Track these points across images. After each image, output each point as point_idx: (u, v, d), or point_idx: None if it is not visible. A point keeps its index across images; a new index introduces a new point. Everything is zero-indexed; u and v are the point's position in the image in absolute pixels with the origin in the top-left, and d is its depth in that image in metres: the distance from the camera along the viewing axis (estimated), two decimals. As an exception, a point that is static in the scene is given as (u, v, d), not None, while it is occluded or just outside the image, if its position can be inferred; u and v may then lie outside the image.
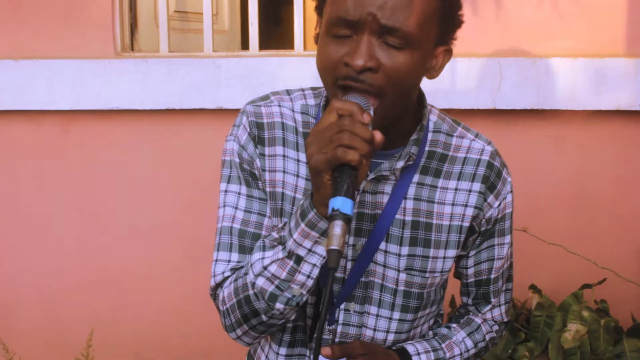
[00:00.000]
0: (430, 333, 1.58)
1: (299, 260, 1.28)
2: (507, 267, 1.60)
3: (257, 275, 1.32)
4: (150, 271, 2.82)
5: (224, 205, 1.44)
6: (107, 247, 2.82)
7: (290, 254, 1.29)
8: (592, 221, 2.76)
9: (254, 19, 2.76)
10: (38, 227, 2.81)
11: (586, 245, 2.71)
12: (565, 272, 2.72)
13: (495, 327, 1.63)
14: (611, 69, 2.63)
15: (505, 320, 1.64)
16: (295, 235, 1.28)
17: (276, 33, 5.84)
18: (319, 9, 1.35)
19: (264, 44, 2.99)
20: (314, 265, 1.29)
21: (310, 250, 1.28)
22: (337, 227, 1.14)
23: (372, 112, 1.25)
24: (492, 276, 1.56)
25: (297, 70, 2.63)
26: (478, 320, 1.61)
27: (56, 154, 2.77)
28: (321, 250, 1.27)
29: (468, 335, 1.59)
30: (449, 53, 1.37)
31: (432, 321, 1.57)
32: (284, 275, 1.30)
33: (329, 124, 1.20)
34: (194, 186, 2.76)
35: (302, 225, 1.26)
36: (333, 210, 1.15)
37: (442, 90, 2.63)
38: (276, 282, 1.31)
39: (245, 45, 3.13)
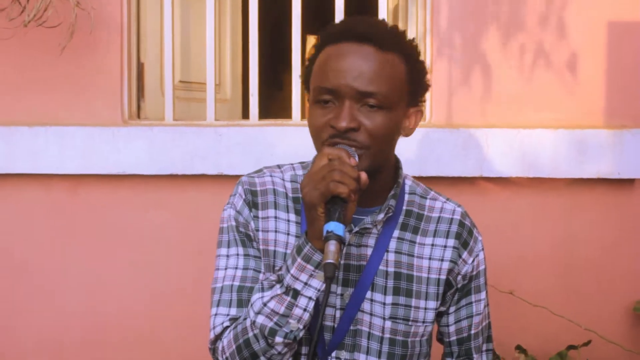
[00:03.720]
0: None
1: (296, 294, 1.42)
2: (485, 326, 1.72)
3: (257, 314, 1.44)
4: (153, 330, 2.89)
5: (225, 268, 1.59)
6: (112, 305, 2.89)
7: (287, 289, 1.42)
8: (577, 284, 2.84)
9: (254, 90, 2.89)
10: (44, 284, 2.89)
11: (572, 308, 2.79)
12: (550, 333, 2.79)
13: None
14: (592, 140, 2.76)
15: None
16: (292, 270, 1.42)
17: (278, 98, 6.01)
18: (306, 84, 1.57)
19: (265, 110, 3.11)
20: (310, 298, 1.42)
21: (306, 283, 1.42)
22: (332, 245, 1.32)
23: (357, 158, 1.43)
24: (472, 332, 1.68)
25: (295, 138, 2.76)
26: None
27: (65, 215, 2.87)
28: (316, 283, 1.41)
29: None
30: (420, 114, 1.58)
31: None
32: (282, 310, 1.42)
33: (321, 166, 1.39)
34: (196, 247, 2.85)
35: (299, 259, 1.42)
36: (327, 232, 1.33)
37: (431, 158, 2.75)
38: (275, 319, 1.43)
39: (246, 113, 3.26)
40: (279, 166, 1.68)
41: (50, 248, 2.88)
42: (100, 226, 2.87)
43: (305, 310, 1.42)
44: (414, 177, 2.67)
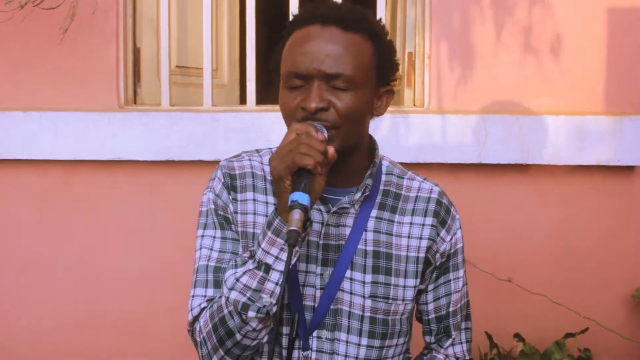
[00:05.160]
0: None
1: (267, 268, 1.43)
2: (464, 304, 1.74)
3: (230, 289, 1.46)
4: (148, 317, 2.88)
5: (201, 248, 1.62)
6: (106, 291, 2.87)
7: (259, 264, 1.44)
8: (575, 272, 2.84)
9: (251, 76, 2.87)
10: (38, 270, 2.87)
11: (570, 295, 2.79)
12: (549, 321, 2.79)
13: None
14: (591, 126, 2.74)
15: (467, 358, 1.75)
16: (263, 244, 1.44)
17: (275, 83, 5.97)
18: (276, 70, 1.60)
19: (263, 95, 3.09)
20: (282, 272, 1.43)
21: (277, 257, 1.43)
22: (296, 214, 1.34)
23: (326, 134, 1.46)
24: (451, 309, 1.70)
25: (292, 124, 2.73)
26: (441, 356, 1.71)
27: (59, 201, 2.85)
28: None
29: None
30: (391, 93, 1.61)
31: (401, 357, 1.68)
32: (254, 284, 1.44)
33: (289, 141, 1.41)
34: (192, 234, 2.82)
35: (269, 233, 1.43)
36: (292, 202, 1.35)
37: (429, 145, 2.74)
38: (248, 294, 1.44)
39: (243, 98, 3.24)
40: (257, 150, 1.71)
41: (44, 235, 2.87)
42: (95, 213, 2.86)
43: (277, 284, 1.44)
44: (412, 164, 2.68)
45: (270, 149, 1.70)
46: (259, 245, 1.45)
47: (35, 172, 2.83)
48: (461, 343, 1.73)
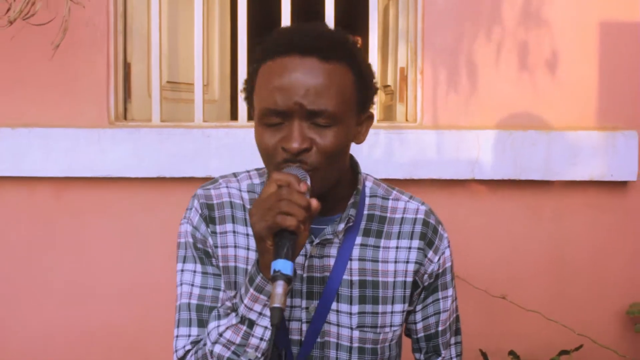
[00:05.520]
0: None
1: (251, 324, 1.38)
2: (454, 320, 1.70)
3: (214, 343, 1.41)
4: (140, 334, 2.84)
5: (181, 284, 1.56)
6: (96, 310, 2.84)
7: (243, 319, 1.39)
8: (570, 288, 2.82)
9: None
10: (29, 288, 2.83)
11: (564, 312, 2.77)
12: (543, 338, 2.77)
13: None
14: (584, 142, 2.74)
15: None
16: (245, 301, 1.38)
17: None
18: (248, 100, 1.50)
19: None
20: (266, 327, 1.38)
21: (260, 313, 1.38)
22: (279, 287, 1.24)
23: (308, 182, 1.38)
24: (440, 329, 1.66)
25: (284, 140, 2.71)
26: None
27: (49, 219, 2.82)
28: None
29: None
30: (370, 118, 1.54)
31: None
32: (238, 340, 1.39)
33: (269, 194, 1.32)
34: (183, 251, 2.81)
35: (251, 290, 1.37)
36: (274, 271, 1.26)
37: (422, 161, 2.72)
38: (232, 348, 1.40)
39: (234, 114, 3.22)
40: (235, 174, 1.63)
41: (34, 253, 2.83)
42: (86, 230, 2.83)
43: (261, 339, 1.39)
44: (405, 180, 2.67)
45: (248, 171, 1.63)
46: (241, 300, 1.38)
47: (24, 189, 2.80)
48: (451, 358, 1.70)
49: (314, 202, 1.33)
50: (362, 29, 3.29)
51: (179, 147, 2.74)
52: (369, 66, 1.52)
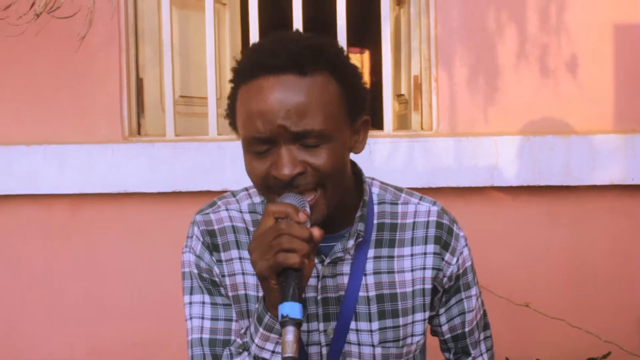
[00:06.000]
0: None
1: None
2: (480, 317, 1.63)
3: None
4: (153, 351, 2.82)
5: (191, 318, 1.48)
6: (112, 325, 2.82)
7: (256, 359, 1.32)
8: (592, 294, 2.78)
9: (256, 103, 2.83)
10: (44, 305, 2.82)
11: (588, 319, 2.73)
12: (569, 345, 2.73)
13: None
14: (603, 145, 2.71)
15: None
16: (256, 340, 1.31)
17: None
18: (233, 126, 1.40)
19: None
20: None
21: (273, 351, 1.31)
22: (289, 334, 1.15)
23: (307, 209, 1.28)
24: (467, 329, 1.59)
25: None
26: None
27: (65, 235, 2.80)
28: None
29: None
30: (367, 123, 1.41)
31: None
32: None
33: (267, 228, 1.23)
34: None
35: (261, 329, 1.30)
36: (282, 317, 1.17)
37: (440, 169, 2.70)
38: None
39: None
40: (233, 194, 1.54)
41: (50, 270, 2.82)
42: (101, 246, 2.81)
43: None
44: (423, 189, 2.64)
45: (247, 189, 1.53)
46: (252, 339, 1.32)
47: (40, 206, 2.79)
48: (481, 355, 1.63)
49: (316, 232, 1.24)
50: (374, 39, 3.27)
51: (194, 161, 2.73)
52: (354, 68, 1.39)
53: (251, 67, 1.31)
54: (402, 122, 3.28)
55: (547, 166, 2.70)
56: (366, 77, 7.45)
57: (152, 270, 2.82)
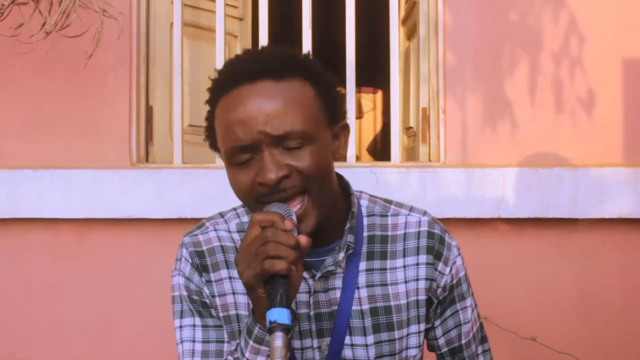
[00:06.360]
0: None
1: None
2: (477, 329, 1.60)
3: None
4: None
5: (182, 341, 1.46)
6: (119, 351, 2.80)
7: None
8: (600, 328, 2.74)
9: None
10: (50, 330, 2.81)
11: (596, 353, 2.69)
12: (577, 381, 2.68)
13: None
14: (611, 178, 2.69)
15: None
16: (247, 354, 1.30)
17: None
18: (214, 147, 1.41)
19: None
20: None
21: None
22: (278, 340, 1.14)
23: (294, 218, 1.28)
24: (464, 342, 1.56)
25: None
26: None
27: (71, 261, 2.80)
28: None
29: None
30: (346, 128, 1.43)
31: None
32: None
33: (253, 238, 1.24)
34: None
35: (251, 342, 1.29)
36: (270, 322, 1.16)
37: (447, 199, 2.69)
38: None
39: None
40: (221, 214, 1.54)
41: (55, 294, 2.81)
42: (106, 272, 2.81)
43: None
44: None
45: (235, 209, 1.53)
46: (242, 354, 1.30)
47: (46, 230, 2.80)
48: None
49: (303, 239, 1.24)
50: (384, 74, 3.30)
51: (201, 188, 2.73)
52: (328, 74, 1.42)
53: (227, 77, 1.35)
54: (411, 155, 3.28)
55: (554, 198, 2.68)
56: (379, 116, 7.49)
57: (157, 297, 2.79)
